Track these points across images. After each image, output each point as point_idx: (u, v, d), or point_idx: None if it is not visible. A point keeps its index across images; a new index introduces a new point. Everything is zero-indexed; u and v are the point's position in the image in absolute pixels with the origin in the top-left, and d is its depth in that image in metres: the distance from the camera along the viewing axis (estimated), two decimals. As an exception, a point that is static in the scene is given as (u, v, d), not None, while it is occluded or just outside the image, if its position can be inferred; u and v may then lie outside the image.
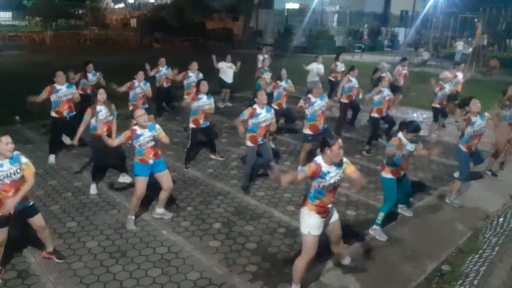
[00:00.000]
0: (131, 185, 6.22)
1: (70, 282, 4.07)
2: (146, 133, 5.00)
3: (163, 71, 9.77)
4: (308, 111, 6.57)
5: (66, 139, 6.80)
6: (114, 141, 5.08)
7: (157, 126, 5.15)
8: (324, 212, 3.84)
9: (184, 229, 5.09)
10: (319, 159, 3.77)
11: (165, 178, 5.16)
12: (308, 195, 3.86)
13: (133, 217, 5.19)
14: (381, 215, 5.00)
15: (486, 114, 5.85)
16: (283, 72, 8.48)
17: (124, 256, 4.51)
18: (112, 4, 50.32)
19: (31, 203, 4.19)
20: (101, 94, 5.89)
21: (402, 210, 5.55)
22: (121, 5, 52.15)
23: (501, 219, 5.32)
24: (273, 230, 5.13)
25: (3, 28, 35.22)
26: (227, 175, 6.81)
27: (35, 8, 36.34)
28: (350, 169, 3.87)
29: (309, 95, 6.62)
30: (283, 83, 8.32)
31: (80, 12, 40.45)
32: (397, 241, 4.94)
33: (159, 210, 5.39)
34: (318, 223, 3.82)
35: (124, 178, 6.46)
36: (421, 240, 4.97)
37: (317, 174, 3.69)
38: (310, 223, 3.80)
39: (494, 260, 4.18)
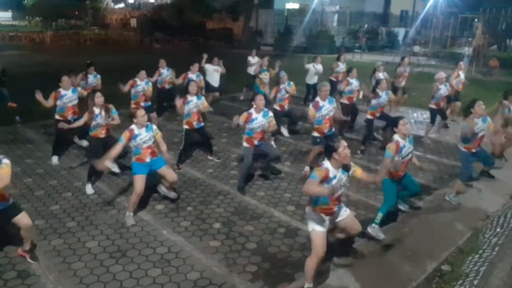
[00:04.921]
0: (132, 184, 6.24)
1: (70, 282, 4.07)
2: (143, 133, 5.12)
3: (165, 73, 9.76)
4: (317, 116, 6.43)
5: (82, 143, 7.49)
6: (116, 148, 5.05)
7: (154, 127, 5.27)
8: (328, 214, 3.87)
9: (184, 229, 5.09)
10: (326, 163, 3.73)
11: (166, 172, 5.36)
12: (311, 198, 3.87)
13: (132, 214, 5.26)
14: (379, 215, 5.01)
15: (489, 119, 5.86)
16: (282, 74, 8.37)
17: (124, 256, 4.50)
18: (112, 4, 50.36)
19: (11, 202, 4.17)
20: (98, 98, 5.94)
21: (399, 204, 5.57)
22: (121, 5, 52.21)
23: (501, 219, 5.31)
24: (273, 230, 5.13)
25: (3, 28, 35.29)
26: (227, 175, 6.81)
27: (35, 8, 36.40)
28: (359, 171, 3.91)
29: (317, 99, 6.46)
30: (285, 85, 8.23)
31: (79, 11, 40.48)
32: (397, 241, 4.94)
33: (163, 189, 5.68)
34: (322, 219, 3.84)
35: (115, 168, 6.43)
36: (421, 240, 4.96)
37: (325, 179, 3.68)
38: (313, 219, 3.84)
39: (494, 260, 4.18)
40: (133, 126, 5.11)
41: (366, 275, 4.28)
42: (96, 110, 5.92)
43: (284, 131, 8.71)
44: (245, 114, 5.93)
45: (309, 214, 3.92)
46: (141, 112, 5.10)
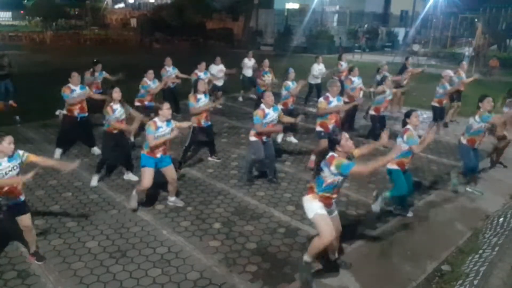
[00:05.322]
0: (132, 185, 6.23)
1: (70, 282, 4.07)
2: (164, 126, 5.29)
3: (170, 71, 9.84)
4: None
5: (94, 151, 7.53)
6: (149, 138, 5.19)
7: (173, 121, 5.47)
8: (327, 203, 3.92)
9: (184, 229, 5.09)
10: (336, 155, 3.83)
11: (169, 171, 5.46)
12: (317, 186, 3.91)
13: (137, 195, 5.40)
14: (387, 195, 5.23)
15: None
16: (291, 71, 8.35)
17: (124, 256, 4.51)
18: (112, 4, 50.35)
19: (22, 199, 4.21)
20: (117, 93, 6.07)
21: (400, 211, 5.54)
22: (121, 5, 52.22)
23: (501, 219, 5.31)
24: (273, 230, 5.13)
25: (3, 28, 35.28)
26: (227, 175, 6.81)
27: (35, 8, 36.35)
28: (356, 151, 4.12)
29: (328, 94, 6.59)
30: (290, 84, 8.24)
31: (79, 11, 40.48)
32: (397, 241, 4.94)
33: (171, 198, 5.69)
34: (322, 206, 3.87)
35: (129, 176, 6.53)
36: (421, 240, 4.97)
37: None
38: (314, 206, 3.87)
39: (494, 260, 4.18)
40: (156, 119, 5.29)
41: (366, 275, 4.28)
42: (115, 105, 6.04)
43: (292, 138, 8.71)
44: (259, 112, 6.03)
45: (308, 201, 3.93)
46: (166, 105, 5.31)
